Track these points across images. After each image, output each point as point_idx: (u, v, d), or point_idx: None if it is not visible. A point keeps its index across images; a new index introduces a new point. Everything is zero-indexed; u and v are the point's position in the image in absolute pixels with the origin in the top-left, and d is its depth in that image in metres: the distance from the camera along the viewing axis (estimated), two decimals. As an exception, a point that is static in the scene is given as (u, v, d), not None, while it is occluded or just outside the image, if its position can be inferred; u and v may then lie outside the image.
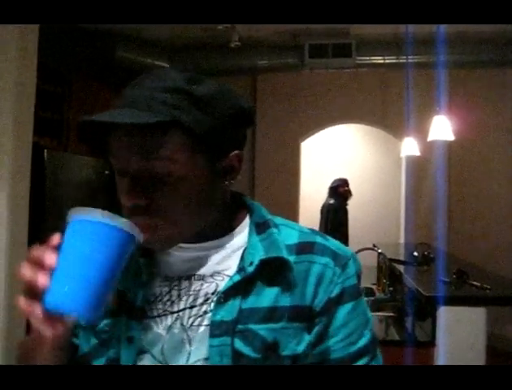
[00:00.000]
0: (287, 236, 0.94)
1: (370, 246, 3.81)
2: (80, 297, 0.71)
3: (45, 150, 4.18)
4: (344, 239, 6.12)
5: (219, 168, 0.89)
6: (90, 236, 0.73)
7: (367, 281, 3.94)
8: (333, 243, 0.96)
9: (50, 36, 4.11)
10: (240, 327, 0.87)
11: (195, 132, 0.83)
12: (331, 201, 6.30)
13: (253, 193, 6.19)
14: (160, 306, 0.90)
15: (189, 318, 0.89)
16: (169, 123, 0.81)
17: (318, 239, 0.95)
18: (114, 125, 0.83)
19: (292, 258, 0.91)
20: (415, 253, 3.74)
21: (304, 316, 0.89)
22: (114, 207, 0.82)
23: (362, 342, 0.91)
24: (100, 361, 0.90)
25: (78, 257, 0.73)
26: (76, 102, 4.92)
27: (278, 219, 0.98)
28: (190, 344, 0.88)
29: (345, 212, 6.37)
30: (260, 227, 0.94)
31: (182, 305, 0.90)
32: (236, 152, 0.90)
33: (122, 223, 0.75)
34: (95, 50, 5.56)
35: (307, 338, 0.89)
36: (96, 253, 0.73)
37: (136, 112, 0.81)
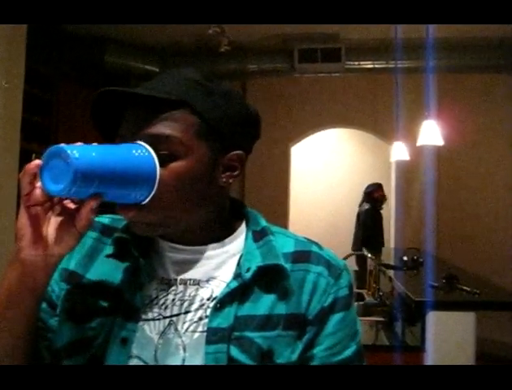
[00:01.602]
0: (283, 244, 0.95)
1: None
2: (88, 161, 0.73)
3: (34, 155, 4.15)
4: (382, 242, 6.32)
5: (219, 163, 0.89)
6: (136, 155, 0.80)
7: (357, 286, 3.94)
8: (327, 253, 0.97)
9: (39, 40, 4.10)
10: (236, 334, 0.86)
11: (203, 118, 0.85)
12: (367, 207, 6.40)
13: (243, 197, 6.19)
14: (155, 310, 0.89)
15: (184, 323, 0.88)
16: (180, 103, 0.84)
17: (314, 248, 0.96)
18: (128, 101, 0.86)
19: (288, 266, 0.91)
20: (405, 258, 3.75)
21: (298, 324, 0.89)
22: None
23: (347, 353, 0.91)
24: (80, 358, 0.88)
25: (114, 150, 0.79)
26: (65, 107, 4.90)
27: (274, 227, 0.99)
28: (185, 350, 0.87)
29: (380, 216, 6.52)
30: (257, 235, 0.95)
31: (176, 310, 0.89)
32: (238, 151, 0.91)
33: (158, 173, 0.81)
34: (84, 55, 5.54)
35: (300, 346, 0.89)
36: (125, 162, 0.77)
37: (150, 91, 0.85)
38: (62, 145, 0.74)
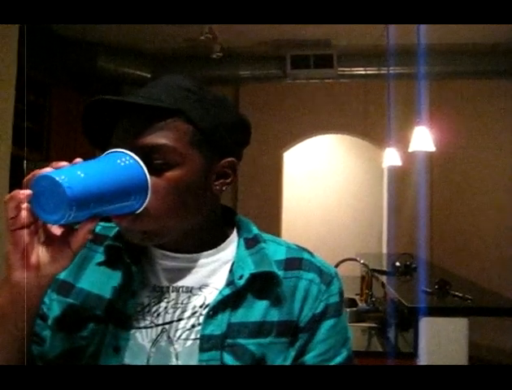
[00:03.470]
0: (275, 251, 0.96)
1: (353, 257, 3.81)
2: (80, 187, 0.71)
3: (25, 161, 4.12)
4: None
5: (212, 170, 0.89)
6: (122, 165, 0.78)
7: (350, 292, 3.94)
8: (319, 260, 0.97)
9: (31, 45, 4.08)
10: (229, 341, 0.86)
11: (196, 126, 0.85)
12: None
13: (236, 203, 6.19)
14: (148, 317, 0.89)
15: (176, 331, 0.88)
16: (173, 112, 0.84)
17: (305, 255, 0.97)
18: (122, 109, 0.85)
19: (280, 274, 0.92)
20: (397, 264, 3.76)
21: (290, 331, 0.90)
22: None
23: (338, 360, 0.92)
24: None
25: (101, 167, 0.77)
26: (57, 113, 4.88)
27: (266, 235, 0.99)
28: (177, 358, 0.87)
29: None
30: (249, 242, 0.95)
31: (169, 318, 0.89)
32: (230, 159, 0.91)
33: (149, 179, 0.80)
34: (76, 60, 5.53)
35: (292, 353, 0.89)
36: (115, 177, 0.76)
37: (144, 100, 0.84)
38: (49, 171, 0.73)
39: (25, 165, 4.09)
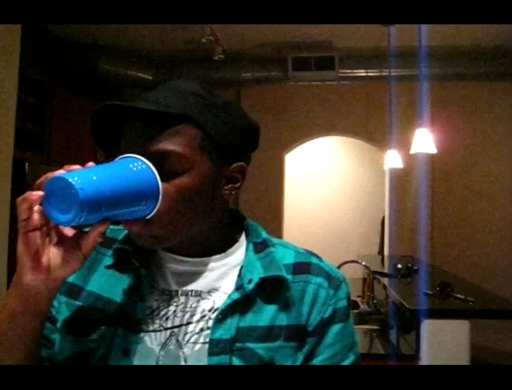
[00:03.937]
0: (283, 255, 0.96)
1: (354, 258, 3.81)
2: (92, 189, 0.72)
3: (27, 164, 4.13)
4: None
5: (221, 175, 0.90)
6: (135, 170, 0.79)
7: (352, 294, 3.94)
8: (327, 264, 0.98)
9: (33, 47, 4.09)
10: (238, 345, 0.86)
11: (205, 131, 0.85)
12: None
13: (237, 205, 6.18)
14: (156, 321, 0.89)
15: (185, 334, 0.88)
16: (182, 117, 0.84)
17: (314, 259, 0.97)
18: (130, 114, 0.85)
19: (289, 278, 0.92)
20: (399, 266, 3.75)
21: (299, 335, 0.90)
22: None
23: (345, 364, 0.92)
24: None
25: (113, 171, 0.77)
26: (59, 115, 4.88)
27: (274, 239, 1.00)
28: (186, 361, 0.87)
29: None
30: (258, 246, 0.95)
31: (177, 322, 0.89)
32: (240, 163, 0.92)
33: (160, 185, 0.81)
34: (78, 62, 5.54)
35: (301, 357, 0.89)
36: (127, 181, 0.77)
37: (152, 105, 0.84)
38: (62, 172, 0.73)
39: (27, 167, 4.10)
